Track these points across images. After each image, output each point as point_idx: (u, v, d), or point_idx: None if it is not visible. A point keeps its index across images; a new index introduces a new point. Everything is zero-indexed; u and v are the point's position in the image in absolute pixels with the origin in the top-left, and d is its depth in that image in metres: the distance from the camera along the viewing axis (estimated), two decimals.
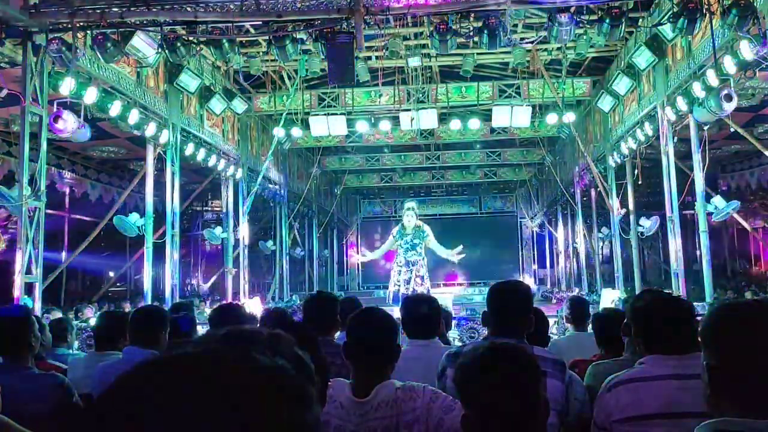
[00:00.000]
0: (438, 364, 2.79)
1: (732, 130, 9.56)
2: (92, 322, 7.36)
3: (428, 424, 2.07)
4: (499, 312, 2.64)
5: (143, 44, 7.88)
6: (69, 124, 7.36)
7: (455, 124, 14.29)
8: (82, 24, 7.47)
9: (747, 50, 6.91)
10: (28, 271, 7.18)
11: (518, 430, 1.58)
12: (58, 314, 7.70)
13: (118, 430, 0.55)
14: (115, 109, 8.39)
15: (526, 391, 1.59)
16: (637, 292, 11.16)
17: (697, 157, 9.01)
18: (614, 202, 12.71)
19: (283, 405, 0.59)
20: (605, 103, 11.28)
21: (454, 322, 7.40)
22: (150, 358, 0.63)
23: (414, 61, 10.76)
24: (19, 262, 7.07)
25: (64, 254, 13.74)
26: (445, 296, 11.07)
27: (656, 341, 2.22)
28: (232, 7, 7.53)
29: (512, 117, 12.91)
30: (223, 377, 0.58)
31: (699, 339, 2.26)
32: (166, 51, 7.90)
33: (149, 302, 9.21)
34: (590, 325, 4.27)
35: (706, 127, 8.86)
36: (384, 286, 16.86)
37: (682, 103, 8.71)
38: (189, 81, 9.92)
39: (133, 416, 0.55)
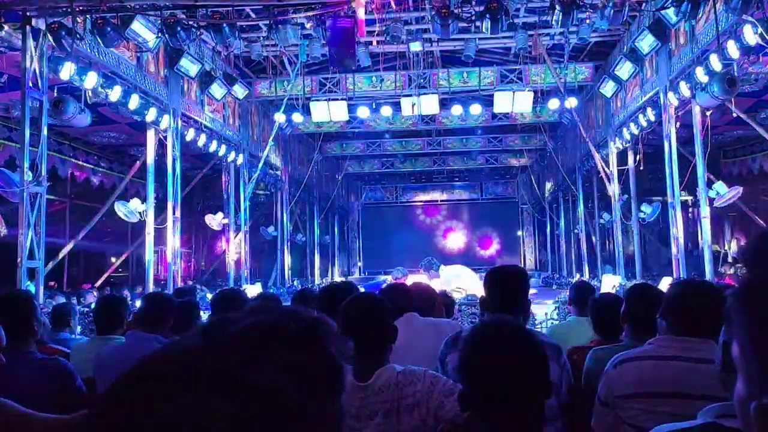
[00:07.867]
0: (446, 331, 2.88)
1: (735, 115, 9.52)
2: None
3: (429, 407, 2.09)
4: (496, 295, 2.66)
5: (143, 29, 7.84)
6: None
7: (457, 109, 14.22)
8: (81, 8, 7.42)
9: (750, 35, 6.87)
10: (31, 257, 7.20)
11: (519, 411, 1.58)
12: (61, 299, 7.75)
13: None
14: (115, 94, 8.36)
15: (534, 373, 1.59)
16: (637, 277, 11.19)
17: (699, 143, 8.98)
18: (615, 188, 12.70)
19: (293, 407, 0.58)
20: (607, 88, 11.21)
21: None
22: (150, 355, 0.62)
23: (415, 46, 10.69)
24: (22, 247, 7.09)
25: (66, 239, 13.75)
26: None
27: (681, 323, 2.18)
28: None
29: (514, 102, 12.86)
30: (230, 377, 0.57)
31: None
32: (166, 35, 7.86)
33: (150, 288, 9.24)
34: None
35: (708, 113, 8.82)
36: (385, 272, 16.92)
37: (684, 88, 8.67)
38: (189, 66, 9.87)
39: (129, 415, 0.55)
